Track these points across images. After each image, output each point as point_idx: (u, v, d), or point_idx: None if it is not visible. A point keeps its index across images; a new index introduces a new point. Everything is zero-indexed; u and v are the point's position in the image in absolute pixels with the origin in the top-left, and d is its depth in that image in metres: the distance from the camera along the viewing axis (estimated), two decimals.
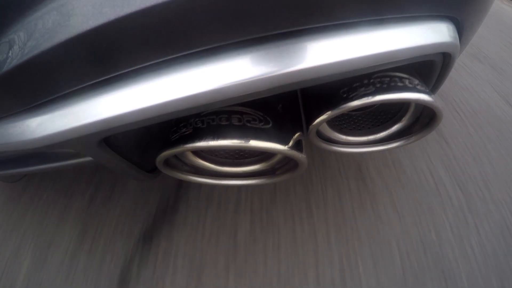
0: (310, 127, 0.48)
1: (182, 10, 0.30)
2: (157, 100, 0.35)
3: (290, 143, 0.45)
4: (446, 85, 0.82)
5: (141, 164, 0.55)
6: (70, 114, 0.38)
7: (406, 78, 0.46)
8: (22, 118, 0.41)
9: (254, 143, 0.42)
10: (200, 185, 0.65)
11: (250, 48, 0.34)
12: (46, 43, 0.32)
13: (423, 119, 0.53)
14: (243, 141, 0.42)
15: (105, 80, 0.36)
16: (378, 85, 0.44)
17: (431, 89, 0.55)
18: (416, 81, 0.46)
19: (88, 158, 0.48)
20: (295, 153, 0.45)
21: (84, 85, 0.36)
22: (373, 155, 0.81)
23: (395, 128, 0.56)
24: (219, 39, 0.33)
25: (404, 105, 0.54)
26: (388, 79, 0.45)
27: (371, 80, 0.45)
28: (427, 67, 0.49)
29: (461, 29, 0.45)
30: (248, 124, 0.43)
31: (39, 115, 0.39)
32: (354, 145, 0.57)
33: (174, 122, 0.48)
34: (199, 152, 0.55)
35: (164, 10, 0.29)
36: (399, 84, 0.45)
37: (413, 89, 0.44)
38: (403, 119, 0.55)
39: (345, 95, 0.45)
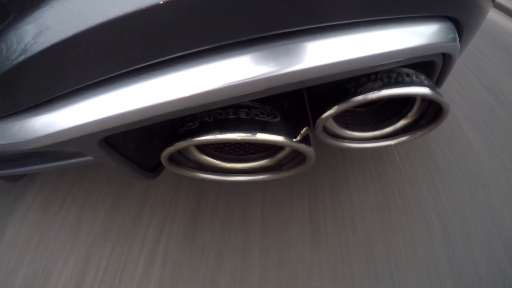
0: (318, 121, 0.47)
1: (183, 10, 0.30)
2: (157, 99, 0.35)
3: (298, 137, 0.44)
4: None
5: (142, 163, 0.55)
6: (70, 113, 0.37)
7: (412, 74, 0.46)
8: (22, 118, 0.40)
9: (263, 136, 0.42)
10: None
11: (250, 48, 0.34)
12: (46, 43, 0.32)
13: (429, 114, 0.53)
14: (251, 134, 0.41)
15: (105, 80, 0.36)
16: (385, 80, 0.44)
17: None
18: (423, 77, 0.47)
19: (89, 158, 0.47)
20: (304, 146, 0.45)
21: (85, 84, 0.36)
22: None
23: (400, 123, 0.56)
24: (219, 39, 0.33)
25: (409, 100, 0.54)
26: (395, 74, 0.45)
27: (379, 75, 0.45)
28: (428, 68, 0.49)
29: (461, 30, 0.45)
30: (256, 118, 0.43)
31: (39, 115, 0.39)
32: (360, 140, 0.57)
33: (180, 117, 0.47)
34: (204, 148, 0.55)
35: (165, 9, 0.29)
36: (406, 79, 0.45)
37: (420, 84, 0.45)
38: (409, 114, 0.55)
39: (353, 90, 0.45)
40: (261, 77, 0.34)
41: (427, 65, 0.48)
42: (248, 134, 0.41)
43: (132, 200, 0.75)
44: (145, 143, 0.56)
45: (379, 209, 0.70)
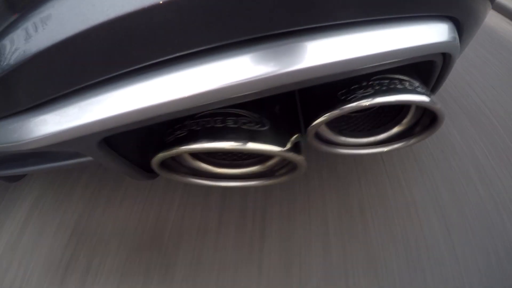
0: (308, 128, 0.47)
1: (182, 10, 0.30)
2: (156, 100, 0.35)
3: (288, 145, 0.44)
4: None
5: (141, 164, 0.55)
6: (70, 114, 0.38)
7: (406, 81, 0.45)
8: (22, 118, 0.41)
9: (250, 145, 0.41)
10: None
11: (250, 48, 0.34)
12: (46, 43, 0.32)
13: (424, 120, 0.52)
14: (239, 144, 0.41)
15: (104, 80, 0.36)
16: (377, 88, 0.43)
17: (431, 90, 0.55)
18: (417, 83, 0.46)
19: (89, 158, 0.48)
20: (293, 155, 0.44)
21: (84, 84, 0.36)
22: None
23: (395, 129, 0.55)
24: (219, 39, 0.33)
25: (404, 106, 0.54)
26: (387, 81, 0.44)
27: (370, 82, 0.44)
28: (427, 68, 0.48)
29: (461, 30, 0.45)
30: (244, 127, 0.43)
31: (39, 115, 0.39)
32: (354, 146, 0.56)
33: (169, 124, 0.47)
34: (197, 154, 0.55)
35: (164, 9, 0.29)
36: (399, 86, 0.44)
37: (413, 92, 0.44)
38: (404, 120, 0.54)
39: (343, 97, 0.44)
40: (261, 77, 0.34)
41: (427, 65, 0.47)
42: (235, 143, 0.41)
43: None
44: (145, 144, 0.56)
45: None
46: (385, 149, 0.55)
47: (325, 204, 0.71)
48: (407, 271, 0.60)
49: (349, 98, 0.43)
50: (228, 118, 0.43)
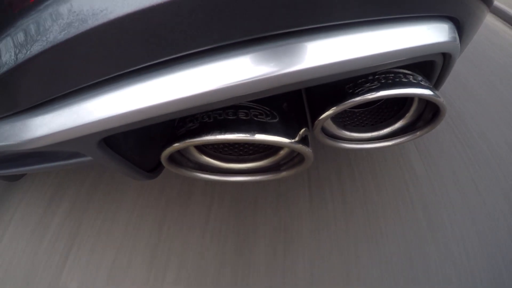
0: (316, 122, 0.48)
1: (183, 10, 0.30)
2: (157, 100, 0.35)
3: (297, 137, 0.45)
4: None
5: (141, 164, 0.55)
6: (70, 114, 0.37)
7: (410, 75, 0.47)
8: (22, 118, 0.40)
9: (262, 137, 0.42)
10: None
11: (250, 48, 0.34)
12: (47, 44, 0.32)
13: (426, 115, 0.54)
14: (250, 135, 0.42)
15: (104, 80, 0.36)
16: (383, 81, 0.45)
17: None
18: (420, 77, 0.47)
19: (88, 158, 0.47)
20: (302, 147, 0.45)
21: (85, 85, 0.36)
22: None
23: (398, 124, 0.56)
24: (220, 39, 0.33)
25: (407, 101, 0.55)
26: (392, 75, 0.46)
27: (376, 76, 0.45)
28: (428, 67, 0.49)
29: (461, 30, 0.46)
30: (255, 119, 0.43)
31: (39, 115, 0.39)
32: (358, 141, 0.57)
33: (180, 117, 0.47)
34: (204, 149, 0.55)
35: (165, 10, 0.30)
36: (404, 80, 0.45)
37: (417, 85, 0.45)
38: (406, 115, 0.55)
39: (350, 91, 0.45)
40: (261, 77, 0.34)
41: (427, 65, 0.48)
42: (247, 135, 0.41)
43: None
44: (145, 144, 0.56)
45: None
46: (389, 143, 0.56)
47: None
48: None
49: (356, 91, 0.44)
50: (240, 110, 0.43)
